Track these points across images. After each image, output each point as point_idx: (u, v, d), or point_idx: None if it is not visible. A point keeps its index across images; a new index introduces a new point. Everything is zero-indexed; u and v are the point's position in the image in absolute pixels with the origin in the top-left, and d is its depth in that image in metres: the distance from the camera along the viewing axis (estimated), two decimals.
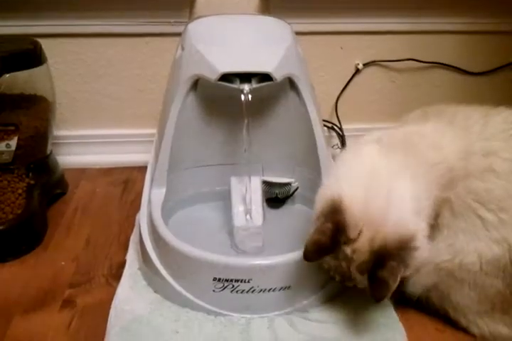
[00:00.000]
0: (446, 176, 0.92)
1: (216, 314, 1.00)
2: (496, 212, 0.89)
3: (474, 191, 0.91)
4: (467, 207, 0.91)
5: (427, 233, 0.90)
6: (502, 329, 0.95)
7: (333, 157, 1.18)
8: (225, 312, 1.00)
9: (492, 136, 0.94)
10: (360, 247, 0.85)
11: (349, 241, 0.86)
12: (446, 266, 0.93)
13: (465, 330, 0.98)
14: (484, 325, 0.96)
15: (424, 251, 0.87)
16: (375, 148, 0.96)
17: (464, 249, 0.91)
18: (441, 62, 1.63)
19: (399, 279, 0.84)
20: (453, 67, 1.64)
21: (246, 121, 1.10)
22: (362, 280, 0.88)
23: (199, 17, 1.25)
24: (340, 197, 0.88)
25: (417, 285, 0.98)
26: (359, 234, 0.85)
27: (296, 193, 1.29)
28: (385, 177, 0.90)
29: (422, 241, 0.87)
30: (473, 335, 0.97)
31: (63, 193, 1.46)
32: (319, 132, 1.17)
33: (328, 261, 0.89)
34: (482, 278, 0.91)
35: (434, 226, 0.94)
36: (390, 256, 0.84)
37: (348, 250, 0.86)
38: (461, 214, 0.92)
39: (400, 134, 1.00)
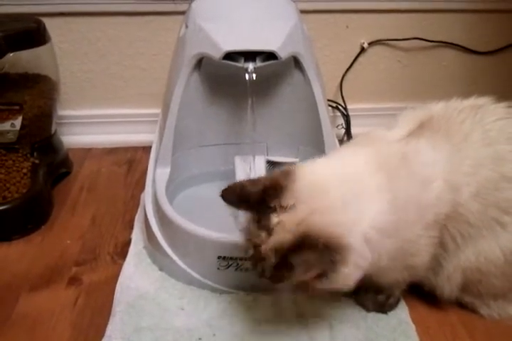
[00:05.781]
0: (445, 192, 0.86)
1: (221, 291, 1.02)
2: None
3: (493, 203, 0.87)
4: (486, 218, 0.88)
5: (366, 261, 0.80)
6: (510, 309, 0.98)
7: (337, 137, 1.17)
8: (230, 290, 1.02)
9: (494, 140, 0.89)
10: (286, 221, 0.76)
11: (279, 209, 0.77)
12: (472, 266, 0.92)
13: (467, 308, 1.00)
14: (495, 306, 0.97)
15: (352, 272, 0.79)
16: (364, 161, 0.86)
17: (487, 249, 0.90)
18: (447, 41, 1.62)
19: (307, 276, 0.76)
20: (459, 46, 1.63)
21: (250, 100, 1.10)
22: (269, 265, 0.77)
23: None
24: (300, 168, 0.82)
25: (449, 288, 0.95)
26: (292, 205, 0.77)
27: None
28: (362, 189, 0.81)
29: (352, 260, 0.77)
30: (479, 314, 0.99)
31: (68, 173, 1.47)
32: (324, 111, 1.17)
33: (252, 228, 0.80)
34: (507, 268, 0.91)
35: (444, 245, 0.90)
36: (311, 246, 0.74)
37: (274, 219, 0.77)
38: (478, 224, 0.88)
39: (393, 153, 0.88)
